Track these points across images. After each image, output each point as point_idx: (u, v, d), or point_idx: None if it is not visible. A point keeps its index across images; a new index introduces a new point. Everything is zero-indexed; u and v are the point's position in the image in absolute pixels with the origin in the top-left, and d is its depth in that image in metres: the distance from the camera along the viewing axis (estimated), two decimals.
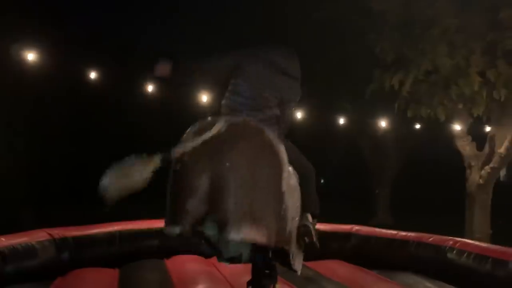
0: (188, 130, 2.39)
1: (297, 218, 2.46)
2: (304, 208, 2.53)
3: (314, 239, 2.53)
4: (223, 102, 2.60)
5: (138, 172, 2.22)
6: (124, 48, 12.77)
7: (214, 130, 2.21)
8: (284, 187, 2.29)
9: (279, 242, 2.31)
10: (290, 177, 2.39)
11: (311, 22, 7.51)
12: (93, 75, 6.84)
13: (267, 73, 2.52)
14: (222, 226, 2.12)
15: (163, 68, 2.60)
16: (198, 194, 2.15)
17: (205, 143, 2.19)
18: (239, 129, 2.27)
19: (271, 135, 2.34)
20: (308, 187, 2.59)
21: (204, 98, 7.05)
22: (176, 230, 2.20)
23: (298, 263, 2.59)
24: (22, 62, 6.06)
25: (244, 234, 2.11)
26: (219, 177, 2.14)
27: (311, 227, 2.53)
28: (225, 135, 2.21)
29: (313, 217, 2.59)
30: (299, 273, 2.63)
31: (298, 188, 2.49)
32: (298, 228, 2.48)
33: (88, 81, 6.94)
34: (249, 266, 2.69)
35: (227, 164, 2.14)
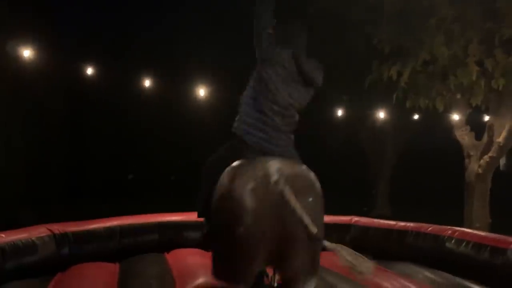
0: (233, 171, 2.18)
1: None
2: None
3: None
4: (255, 103, 2.43)
5: None
6: (121, 44, 12.72)
7: (270, 185, 2.06)
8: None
9: None
10: None
11: (307, 14, 7.48)
12: (90, 71, 6.83)
13: (295, 83, 2.48)
14: (289, 283, 2.15)
15: None
16: (262, 255, 2.10)
17: (264, 199, 2.05)
18: (297, 183, 2.13)
19: (316, 181, 2.28)
20: None
21: (202, 92, 7.05)
22: None
23: None
24: (18, 59, 6.04)
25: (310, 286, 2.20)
26: (287, 235, 2.08)
27: None
28: (285, 191, 2.05)
29: None
30: None
31: None
32: None
33: (85, 78, 6.93)
34: None
35: (294, 220, 2.05)
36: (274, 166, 2.12)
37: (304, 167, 2.29)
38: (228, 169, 2.21)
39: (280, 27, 2.59)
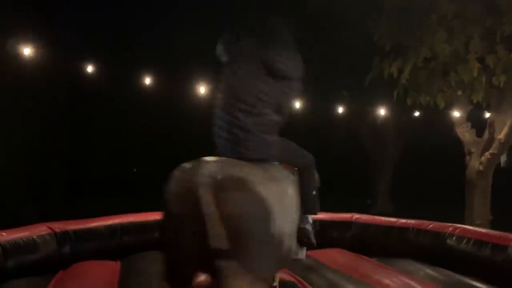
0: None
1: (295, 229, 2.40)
2: (305, 210, 2.48)
3: (312, 240, 2.50)
4: (220, 103, 2.31)
5: None
6: (121, 41, 12.71)
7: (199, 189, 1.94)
8: (275, 229, 2.07)
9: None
10: (284, 199, 2.22)
11: (307, 11, 7.46)
12: (90, 68, 6.84)
13: (260, 76, 2.25)
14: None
15: None
16: (194, 261, 2.01)
17: (188, 205, 1.95)
18: (228, 188, 1.97)
19: (260, 185, 2.06)
20: (308, 182, 2.52)
21: (202, 89, 7.05)
22: None
23: (300, 254, 2.59)
24: (19, 57, 6.05)
25: None
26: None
27: (310, 228, 2.49)
28: (202, 197, 1.93)
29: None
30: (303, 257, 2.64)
31: (295, 195, 2.39)
32: (298, 231, 2.44)
33: (86, 75, 6.94)
34: None
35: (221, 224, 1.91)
36: (208, 169, 1.99)
37: (247, 169, 2.08)
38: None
39: (256, 23, 2.41)
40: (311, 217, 2.54)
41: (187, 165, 2.10)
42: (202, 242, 1.90)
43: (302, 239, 2.48)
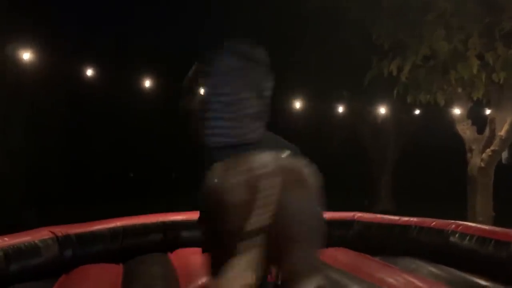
0: None
1: None
2: None
3: None
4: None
5: None
6: (120, 45, 12.72)
7: None
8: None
9: None
10: None
11: (305, 11, 7.47)
12: (90, 73, 6.85)
13: (239, 65, 2.25)
14: None
15: None
16: None
17: None
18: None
19: None
20: None
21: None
22: None
23: None
24: (18, 62, 6.06)
25: None
26: None
27: None
28: None
29: None
30: None
31: None
32: None
33: (86, 79, 6.95)
34: None
35: None
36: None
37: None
38: None
39: None
40: None
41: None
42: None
43: None
